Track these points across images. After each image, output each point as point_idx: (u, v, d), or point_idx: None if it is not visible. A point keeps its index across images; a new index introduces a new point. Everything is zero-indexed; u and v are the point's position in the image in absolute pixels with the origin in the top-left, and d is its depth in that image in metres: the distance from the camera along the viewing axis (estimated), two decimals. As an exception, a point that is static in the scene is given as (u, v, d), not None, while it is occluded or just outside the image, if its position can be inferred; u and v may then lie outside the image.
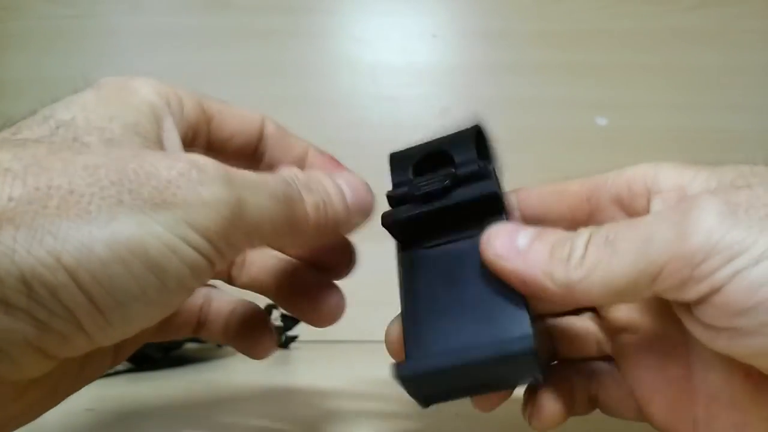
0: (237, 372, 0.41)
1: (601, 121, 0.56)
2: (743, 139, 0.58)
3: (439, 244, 0.21)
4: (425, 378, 0.19)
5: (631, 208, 0.21)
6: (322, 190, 0.20)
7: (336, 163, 0.25)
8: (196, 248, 0.16)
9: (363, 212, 0.21)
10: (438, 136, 0.23)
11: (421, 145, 0.23)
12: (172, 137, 0.20)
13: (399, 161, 0.23)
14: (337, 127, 0.56)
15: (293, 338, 0.52)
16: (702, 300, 0.16)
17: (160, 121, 0.19)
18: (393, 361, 0.20)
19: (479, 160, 0.22)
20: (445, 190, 0.21)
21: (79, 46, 0.57)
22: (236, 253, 0.18)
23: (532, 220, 0.23)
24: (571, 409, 0.23)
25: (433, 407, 0.20)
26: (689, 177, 0.20)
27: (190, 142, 0.21)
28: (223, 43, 0.57)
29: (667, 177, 0.20)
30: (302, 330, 0.51)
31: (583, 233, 0.18)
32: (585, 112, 0.57)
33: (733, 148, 0.57)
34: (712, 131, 0.57)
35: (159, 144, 0.19)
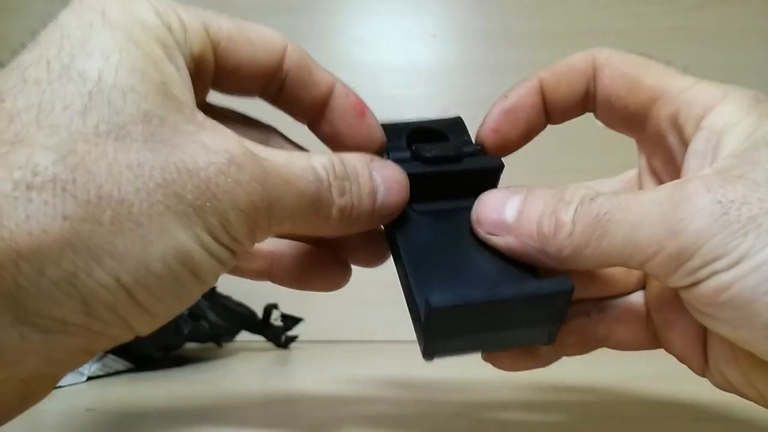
0: (237, 372, 0.41)
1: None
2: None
3: (430, 210, 0.22)
4: (457, 311, 0.18)
5: (682, 132, 0.21)
6: (356, 191, 0.20)
7: (361, 110, 0.23)
8: (227, 248, 0.17)
9: (390, 213, 0.21)
10: (421, 120, 0.23)
11: (412, 122, 0.23)
12: (186, 82, 0.18)
13: (393, 131, 0.23)
14: (337, 127, 0.56)
15: (293, 338, 0.52)
16: (683, 288, 0.17)
17: (173, 61, 0.18)
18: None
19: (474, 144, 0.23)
20: (456, 157, 0.22)
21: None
22: (256, 243, 0.19)
23: (608, 91, 0.23)
24: (578, 347, 0.23)
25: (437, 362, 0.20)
26: (738, 118, 0.19)
27: (194, 78, 0.19)
28: (223, 43, 0.57)
29: (721, 113, 0.19)
30: (302, 330, 0.51)
31: (570, 204, 0.18)
32: (585, 112, 0.57)
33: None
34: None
35: (185, 102, 0.17)
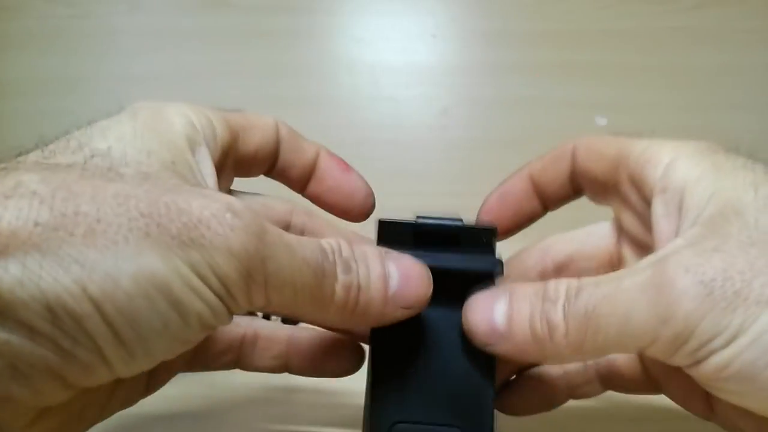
0: (237, 371, 0.41)
1: (601, 121, 0.56)
2: (743, 139, 0.57)
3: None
4: None
5: (642, 192, 0.21)
6: (363, 272, 0.19)
7: (345, 167, 0.25)
8: (216, 292, 0.16)
9: (409, 305, 0.20)
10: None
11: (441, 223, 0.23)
12: (207, 168, 0.19)
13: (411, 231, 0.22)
14: (336, 127, 0.56)
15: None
16: (685, 367, 0.17)
17: (195, 153, 0.19)
18: None
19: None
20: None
21: (78, 45, 0.57)
22: (253, 306, 0.17)
23: (582, 166, 0.24)
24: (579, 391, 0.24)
25: None
26: (696, 175, 0.20)
27: (221, 166, 0.21)
28: (222, 43, 0.57)
29: (677, 171, 0.20)
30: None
31: (557, 302, 0.18)
32: (585, 111, 0.56)
33: (732, 149, 0.57)
34: (712, 131, 0.57)
35: (195, 180, 0.18)
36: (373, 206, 0.25)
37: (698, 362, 0.17)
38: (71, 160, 0.17)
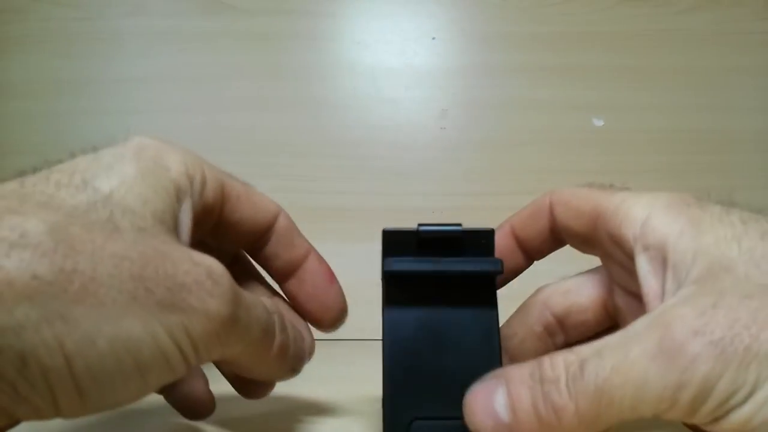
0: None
1: (599, 122, 0.57)
2: (742, 140, 0.58)
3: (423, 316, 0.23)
4: None
5: (623, 248, 0.22)
6: (290, 333, 0.23)
7: (330, 277, 0.26)
8: (183, 353, 0.17)
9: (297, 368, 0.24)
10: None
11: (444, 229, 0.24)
12: (186, 219, 0.21)
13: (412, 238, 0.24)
14: (336, 129, 0.57)
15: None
16: (705, 424, 0.17)
17: (181, 202, 0.20)
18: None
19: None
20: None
21: (81, 48, 0.58)
22: (207, 360, 0.19)
23: (561, 223, 0.24)
24: None
25: None
26: (676, 232, 0.20)
27: (201, 221, 0.22)
28: (223, 45, 0.58)
29: (654, 228, 0.20)
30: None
31: (559, 381, 0.18)
32: (582, 113, 0.57)
33: (732, 149, 0.57)
34: (711, 132, 0.58)
35: (176, 227, 0.20)
36: (342, 322, 0.26)
37: (718, 419, 0.17)
38: (75, 201, 0.17)
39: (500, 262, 0.23)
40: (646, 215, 0.21)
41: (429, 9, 0.58)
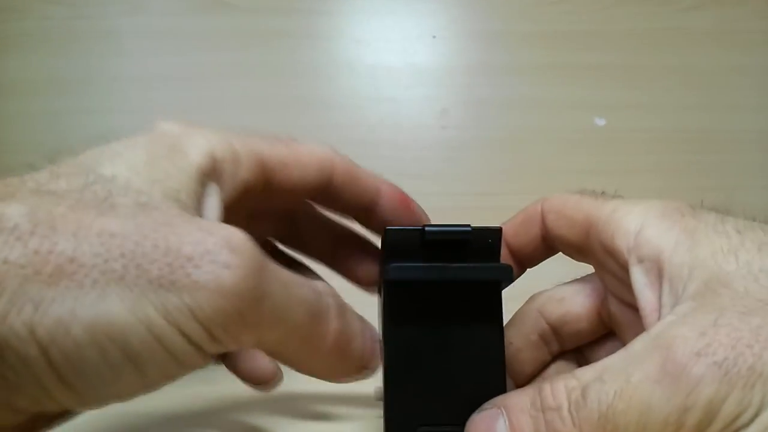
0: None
1: (600, 122, 0.57)
2: (743, 140, 0.58)
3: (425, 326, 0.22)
4: None
5: (617, 259, 0.21)
6: (353, 320, 0.19)
7: (407, 203, 0.24)
8: (189, 338, 0.15)
9: (370, 367, 0.21)
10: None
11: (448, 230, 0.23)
12: (213, 203, 0.19)
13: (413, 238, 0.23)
14: (337, 128, 0.56)
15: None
16: None
17: (206, 185, 0.19)
18: None
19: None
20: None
21: (80, 47, 0.58)
22: (237, 347, 0.17)
23: (553, 232, 0.24)
24: None
25: None
26: (671, 243, 0.19)
27: (240, 200, 0.20)
28: (223, 44, 0.58)
29: (648, 239, 0.20)
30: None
31: (561, 409, 0.17)
32: (584, 112, 0.57)
33: (732, 149, 0.57)
34: (712, 131, 0.58)
35: (198, 210, 0.18)
36: None
37: None
38: (72, 185, 0.16)
39: (510, 268, 0.22)
40: (639, 226, 0.20)
41: (430, 7, 0.58)
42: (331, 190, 0.23)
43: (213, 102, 0.57)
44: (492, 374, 0.21)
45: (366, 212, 0.24)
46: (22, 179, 0.16)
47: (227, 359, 0.25)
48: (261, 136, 0.22)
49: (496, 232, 0.22)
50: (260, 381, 0.25)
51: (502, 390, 0.21)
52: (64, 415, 0.21)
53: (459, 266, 0.21)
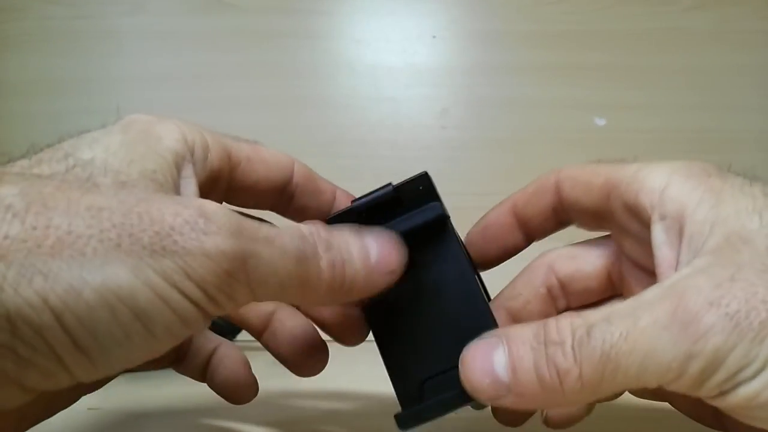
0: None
1: (600, 122, 0.57)
2: (743, 140, 0.58)
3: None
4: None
5: (640, 218, 0.21)
6: (344, 248, 0.20)
7: None
8: (188, 297, 0.16)
9: (392, 269, 0.21)
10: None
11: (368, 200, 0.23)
12: (190, 185, 0.20)
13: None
14: (337, 128, 0.56)
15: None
16: (710, 398, 0.17)
17: (180, 169, 0.19)
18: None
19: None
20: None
21: (80, 47, 0.58)
22: (237, 305, 0.17)
23: (569, 200, 0.24)
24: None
25: None
26: (694, 201, 0.19)
27: (209, 189, 0.21)
28: (223, 44, 0.58)
29: (673, 197, 0.20)
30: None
31: (564, 344, 0.17)
32: (584, 112, 0.57)
33: (733, 149, 0.57)
34: (712, 131, 0.58)
35: (175, 191, 0.19)
36: None
37: (724, 393, 0.16)
38: (54, 169, 0.17)
39: (439, 204, 0.23)
40: (665, 183, 0.20)
41: (430, 7, 0.58)
42: (290, 192, 0.24)
43: (213, 102, 0.57)
44: (474, 306, 0.21)
45: (324, 217, 0.25)
46: (5, 167, 0.17)
47: (207, 376, 0.26)
48: (225, 134, 0.23)
49: (422, 178, 0.23)
50: (237, 395, 0.26)
51: (488, 315, 0.21)
52: (65, 399, 0.21)
53: (395, 221, 0.22)
